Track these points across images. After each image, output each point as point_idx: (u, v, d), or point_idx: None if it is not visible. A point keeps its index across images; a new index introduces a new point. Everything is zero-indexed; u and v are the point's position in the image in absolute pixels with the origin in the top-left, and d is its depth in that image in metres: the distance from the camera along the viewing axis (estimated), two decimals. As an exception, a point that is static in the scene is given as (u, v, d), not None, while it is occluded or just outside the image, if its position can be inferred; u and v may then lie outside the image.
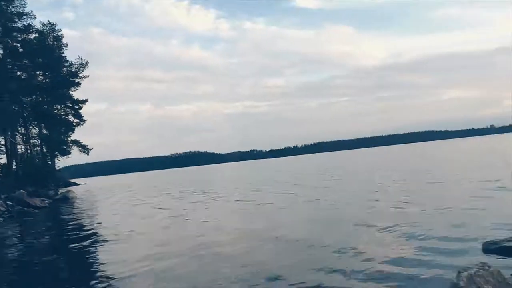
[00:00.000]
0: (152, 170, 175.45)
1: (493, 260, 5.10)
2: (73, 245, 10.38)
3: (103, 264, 7.96)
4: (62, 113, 54.01)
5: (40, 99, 50.44)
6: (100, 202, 26.37)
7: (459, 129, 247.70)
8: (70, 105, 53.65)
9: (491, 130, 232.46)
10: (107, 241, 10.35)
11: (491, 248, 5.72)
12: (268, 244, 8.00)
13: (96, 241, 10.53)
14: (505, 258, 5.32)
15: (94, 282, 6.52)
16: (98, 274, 7.15)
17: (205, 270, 6.50)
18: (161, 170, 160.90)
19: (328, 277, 5.41)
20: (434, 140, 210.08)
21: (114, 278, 6.55)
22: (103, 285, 6.28)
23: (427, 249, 6.23)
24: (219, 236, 9.35)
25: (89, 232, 12.35)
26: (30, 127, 51.99)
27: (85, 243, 10.37)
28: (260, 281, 5.57)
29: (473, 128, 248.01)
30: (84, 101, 53.94)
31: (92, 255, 9.08)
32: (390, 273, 5.35)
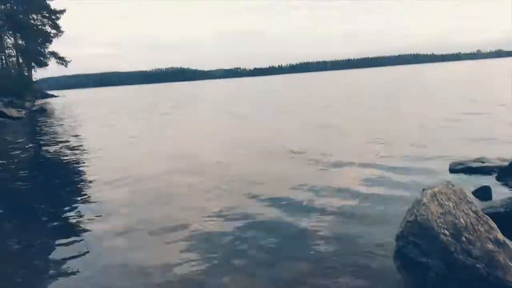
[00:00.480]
0: (133, 84, 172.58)
1: (458, 180, 5.24)
2: (50, 154, 10.33)
3: (75, 175, 7.97)
4: (38, 23, 51.55)
5: (15, 7, 47.62)
6: (78, 114, 25.99)
7: (446, 52, 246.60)
8: (47, 15, 51.03)
9: (478, 55, 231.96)
10: (83, 153, 10.31)
11: (457, 168, 5.87)
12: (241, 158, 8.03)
13: (72, 153, 10.48)
14: (469, 178, 5.48)
15: (69, 191, 6.55)
16: (72, 185, 7.16)
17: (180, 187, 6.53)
18: (142, 85, 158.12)
19: (296, 193, 5.46)
20: (420, 63, 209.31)
21: (90, 193, 6.55)
22: (80, 194, 6.30)
23: (395, 169, 6.34)
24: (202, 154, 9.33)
25: (66, 143, 12.27)
26: (5, 37, 49.61)
27: (62, 153, 10.32)
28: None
29: (460, 53, 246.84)
30: (62, 11, 51.28)
31: (66, 166, 9.04)
32: (356, 191, 5.44)
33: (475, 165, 5.80)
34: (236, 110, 19.63)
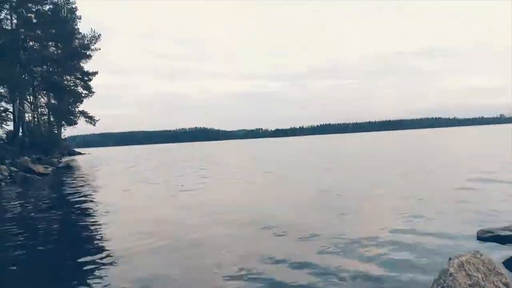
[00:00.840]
0: (158, 143, 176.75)
1: (486, 249, 5.03)
2: (71, 211, 10.46)
3: (96, 235, 7.99)
4: (71, 84, 54.54)
5: (50, 69, 50.73)
6: (101, 172, 26.55)
7: (469, 117, 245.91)
8: (80, 76, 54.06)
9: (501, 120, 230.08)
10: (103, 212, 10.38)
11: (485, 236, 5.64)
12: (259, 230, 7.84)
13: (92, 211, 10.58)
14: (498, 247, 5.25)
15: (90, 252, 6.55)
16: (91, 245, 7.18)
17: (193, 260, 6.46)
18: (166, 144, 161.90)
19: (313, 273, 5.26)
20: (443, 127, 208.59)
21: (105, 253, 6.55)
22: (98, 256, 6.29)
23: (420, 237, 6.12)
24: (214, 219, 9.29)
25: (87, 200, 12.45)
26: (39, 96, 52.41)
27: (83, 211, 10.45)
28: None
29: (482, 117, 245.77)
30: (94, 73, 54.33)
31: (88, 224, 9.11)
32: (379, 258, 5.26)
33: (504, 233, 5.57)
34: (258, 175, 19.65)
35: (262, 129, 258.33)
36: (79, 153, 64.53)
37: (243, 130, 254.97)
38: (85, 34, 49.98)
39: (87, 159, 48.17)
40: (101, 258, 6.03)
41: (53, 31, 45.19)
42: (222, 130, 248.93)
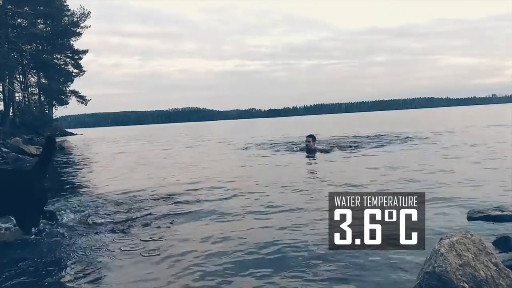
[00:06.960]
0: (151, 124, 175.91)
1: (477, 229, 5.11)
2: (64, 192, 10.42)
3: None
4: (61, 63, 53.85)
5: (40, 47, 50.01)
6: (95, 153, 26.42)
7: (461, 97, 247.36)
8: (70, 55, 53.34)
9: (493, 100, 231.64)
10: (99, 195, 10.36)
11: (475, 216, 5.72)
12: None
13: (87, 192, 10.55)
14: (488, 227, 5.34)
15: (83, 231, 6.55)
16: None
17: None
18: (161, 124, 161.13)
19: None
20: (435, 107, 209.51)
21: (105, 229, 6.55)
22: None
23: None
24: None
25: (81, 181, 12.41)
26: (29, 76, 51.83)
27: (77, 192, 10.42)
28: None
29: (475, 97, 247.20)
30: (85, 52, 53.61)
31: (82, 202, 9.09)
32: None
33: (494, 213, 5.66)
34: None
35: (255, 109, 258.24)
36: (71, 134, 64.08)
37: (236, 110, 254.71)
38: (75, 11, 49.13)
39: (79, 140, 47.75)
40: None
41: (41, 7, 44.34)
42: (215, 110, 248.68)
